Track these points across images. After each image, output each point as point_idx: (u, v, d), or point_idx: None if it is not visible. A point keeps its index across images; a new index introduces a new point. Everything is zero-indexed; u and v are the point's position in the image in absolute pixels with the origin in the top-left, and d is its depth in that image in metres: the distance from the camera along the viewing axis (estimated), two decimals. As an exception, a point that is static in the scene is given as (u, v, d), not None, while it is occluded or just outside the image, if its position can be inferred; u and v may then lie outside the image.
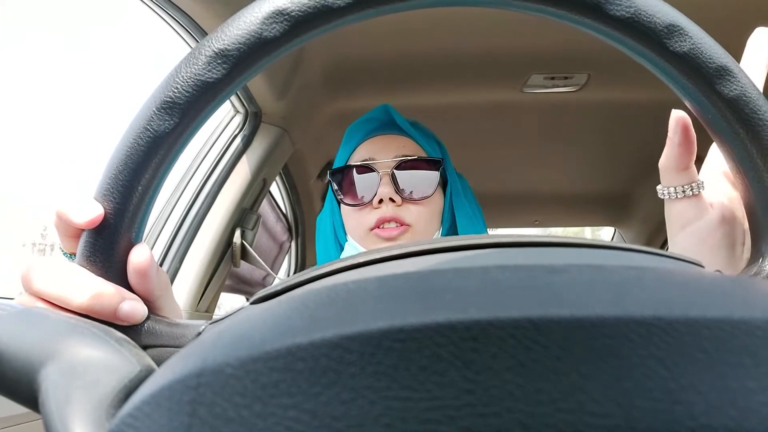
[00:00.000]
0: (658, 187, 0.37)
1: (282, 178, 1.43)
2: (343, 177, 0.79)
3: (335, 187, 0.80)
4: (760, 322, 0.13)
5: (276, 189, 1.48)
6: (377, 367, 0.13)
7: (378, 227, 0.75)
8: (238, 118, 1.14)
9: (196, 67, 0.26)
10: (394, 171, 0.76)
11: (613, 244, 0.24)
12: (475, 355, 0.13)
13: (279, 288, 0.24)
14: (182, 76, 0.26)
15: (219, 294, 1.13)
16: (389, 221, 0.74)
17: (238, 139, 1.12)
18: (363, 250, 0.76)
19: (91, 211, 0.27)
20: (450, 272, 0.16)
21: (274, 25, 0.26)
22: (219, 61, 0.26)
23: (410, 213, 0.75)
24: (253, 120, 1.13)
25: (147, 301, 0.30)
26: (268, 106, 1.12)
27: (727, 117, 0.29)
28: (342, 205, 0.80)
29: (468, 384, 0.12)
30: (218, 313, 1.15)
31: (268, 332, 0.14)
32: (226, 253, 1.10)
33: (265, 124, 1.15)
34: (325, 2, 0.26)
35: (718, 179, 0.37)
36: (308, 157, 1.42)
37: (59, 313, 0.25)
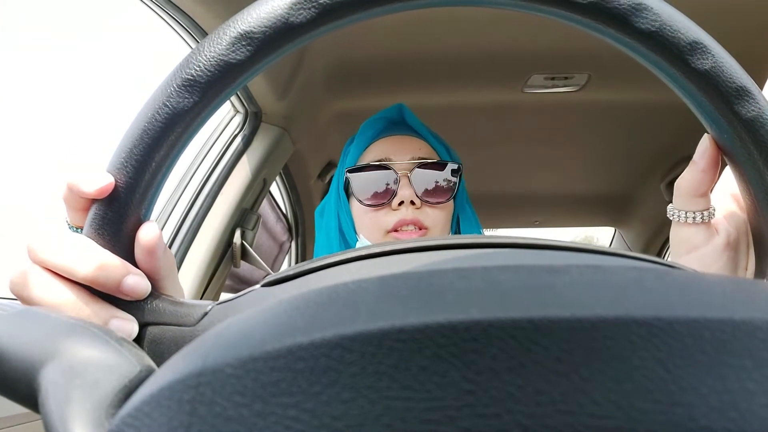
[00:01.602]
0: (669, 207, 0.36)
1: (282, 178, 1.43)
2: (360, 175, 0.77)
3: (351, 185, 0.78)
4: (761, 324, 0.13)
5: (276, 189, 1.48)
6: (378, 367, 0.13)
7: (396, 230, 0.74)
8: (239, 118, 1.14)
9: (219, 46, 0.26)
10: (413, 173, 0.75)
11: (620, 251, 0.24)
12: (476, 356, 0.13)
13: (292, 273, 0.24)
14: (205, 55, 0.26)
15: (219, 294, 1.13)
16: (408, 224, 0.74)
17: (238, 139, 1.12)
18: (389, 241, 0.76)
19: (101, 180, 0.27)
20: (451, 272, 0.16)
21: (302, 11, 0.26)
22: (243, 43, 0.26)
23: (428, 216, 0.75)
24: (254, 120, 1.13)
25: (152, 280, 0.30)
26: (268, 106, 1.12)
27: (742, 137, 0.29)
28: (355, 203, 0.79)
29: (468, 384, 0.12)
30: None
31: (268, 332, 0.14)
32: (226, 253, 1.09)
33: (265, 124, 1.15)
34: None
35: (726, 202, 0.37)
36: (309, 157, 1.42)
37: (59, 313, 0.25)
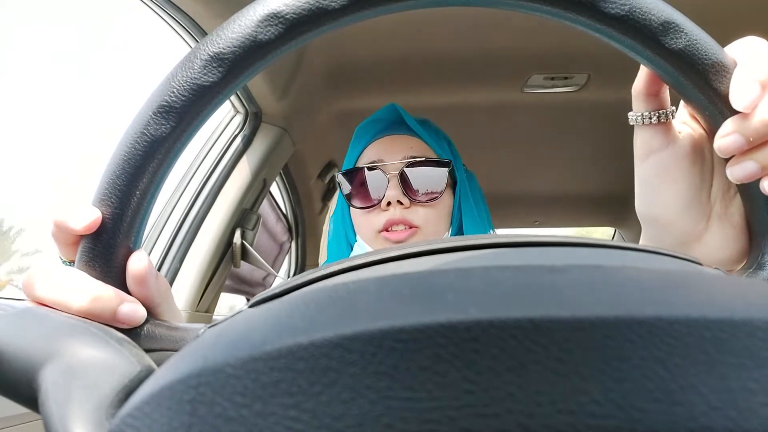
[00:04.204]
0: (630, 113, 0.36)
1: (282, 178, 1.43)
2: (351, 179, 0.79)
3: (344, 188, 0.80)
4: (760, 323, 0.13)
5: (276, 189, 1.48)
6: (378, 367, 0.13)
7: (386, 230, 0.75)
8: (239, 118, 1.14)
9: (192, 71, 0.26)
10: (402, 172, 0.76)
11: (608, 242, 0.24)
12: (476, 356, 0.13)
13: (277, 291, 0.24)
14: (178, 80, 0.26)
15: (219, 294, 1.13)
16: (398, 224, 0.75)
17: (239, 139, 1.12)
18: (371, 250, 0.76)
19: (88, 215, 0.27)
20: (451, 272, 0.15)
21: (269, 28, 0.26)
22: (215, 65, 0.26)
23: (418, 215, 0.76)
24: (254, 120, 1.13)
25: (147, 308, 0.30)
26: (268, 106, 1.12)
27: (725, 114, 0.29)
28: (351, 206, 0.80)
29: (468, 384, 0.12)
30: (218, 313, 1.15)
31: (268, 332, 0.14)
32: (226, 253, 1.10)
33: (265, 124, 1.15)
34: (320, 4, 0.26)
35: (691, 117, 0.37)
36: (308, 157, 1.42)
37: (59, 313, 0.25)
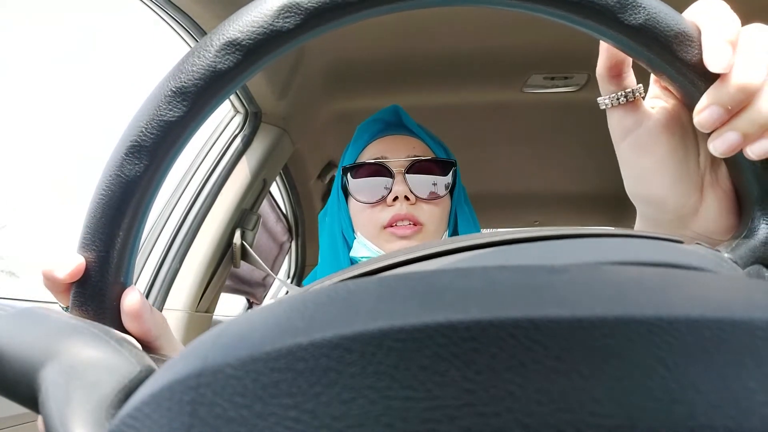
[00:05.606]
0: (598, 99, 0.36)
1: (282, 178, 1.43)
2: (356, 174, 0.79)
3: (347, 183, 0.80)
4: (760, 323, 0.13)
5: (276, 189, 1.48)
6: (378, 367, 0.13)
7: (391, 225, 0.75)
8: (238, 119, 1.14)
9: (157, 108, 0.26)
10: (408, 170, 0.76)
11: (583, 231, 0.24)
12: (476, 355, 0.13)
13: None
14: (146, 118, 0.26)
15: (219, 294, 1.13)
16: (403, 219, 0.75)
17: (238, 140, 1.12)
18: (374, 247, 0.77)
19: (71, 263, 0.27)
20: (450, 272, 0.16)
21: (227, 57, 0.26)
22: (179, 100, 0.26)
23: (423, 212, 0.76)
24: (253, 120, 1.13)
25: (145, 343, 0.30)
26: (268, 107, 1.12)
27: (695, 82, 0.29)
28: (352, 202, 0.80)
29: (468, 384, 0.12)
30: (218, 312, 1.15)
31: (268, 332, 0.14)
32: (226, 253, 1.10)
33: (265, 124, 1.15)
34: (273, 27, 0.26)
35: (656, 89, 0.36)
36: (308, 157, 1.42)
37: (59, 313, 0.25)
